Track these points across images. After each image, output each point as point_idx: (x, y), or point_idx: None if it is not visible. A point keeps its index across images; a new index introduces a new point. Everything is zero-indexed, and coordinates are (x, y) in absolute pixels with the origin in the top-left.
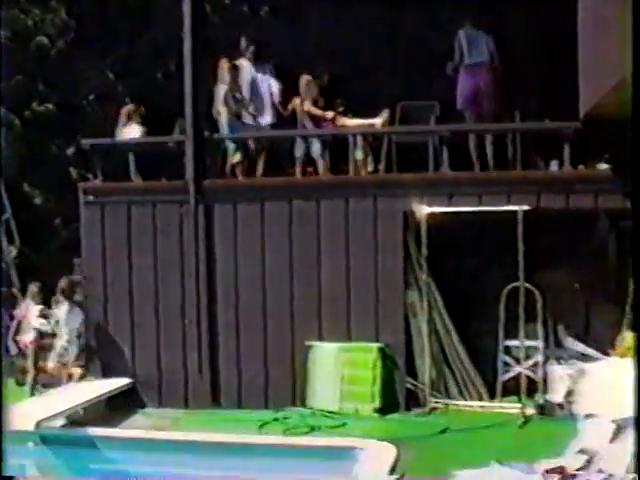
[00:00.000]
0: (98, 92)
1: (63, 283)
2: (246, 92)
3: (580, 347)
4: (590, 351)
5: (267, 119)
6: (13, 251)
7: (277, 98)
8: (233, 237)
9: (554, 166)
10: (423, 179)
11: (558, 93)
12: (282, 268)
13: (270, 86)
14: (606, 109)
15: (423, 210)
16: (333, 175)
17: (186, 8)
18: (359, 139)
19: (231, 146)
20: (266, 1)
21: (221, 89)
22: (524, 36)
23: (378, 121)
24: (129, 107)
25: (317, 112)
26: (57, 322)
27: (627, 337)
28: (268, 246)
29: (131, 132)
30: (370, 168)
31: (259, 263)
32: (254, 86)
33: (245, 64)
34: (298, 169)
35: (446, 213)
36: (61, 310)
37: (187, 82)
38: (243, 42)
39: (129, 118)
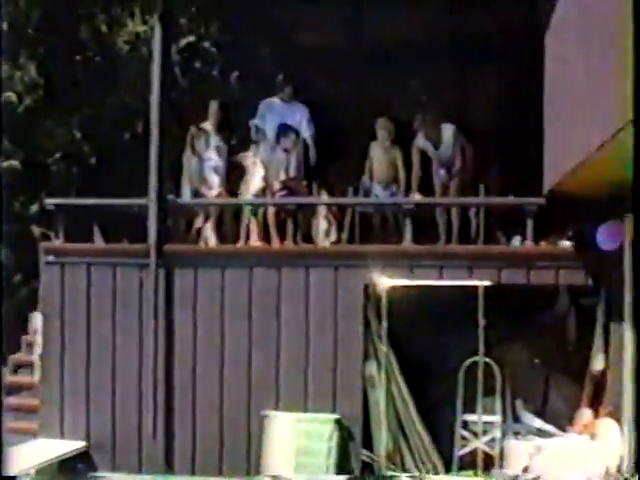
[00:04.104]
0: (64, 151)
1: None
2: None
3: (538, 423)
4: (547, 427)
5: None
6: None
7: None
8: (192, 302)
9: (516, 241)
10: (384, 251)
11: (523, 169)
12: (241, 336)
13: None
14: (568, 187)
15: (384, 282)
16: (295, 244)
17: (155, 71)
18: (322, 209)
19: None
20: (236, 67)
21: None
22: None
23: None
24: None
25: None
26: None
27: (585, 414)
28: (227, 313)
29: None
30: (333, 238)
31: (218, 330)
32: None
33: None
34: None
35: (407, 286)
36: None
37: (153, 145)
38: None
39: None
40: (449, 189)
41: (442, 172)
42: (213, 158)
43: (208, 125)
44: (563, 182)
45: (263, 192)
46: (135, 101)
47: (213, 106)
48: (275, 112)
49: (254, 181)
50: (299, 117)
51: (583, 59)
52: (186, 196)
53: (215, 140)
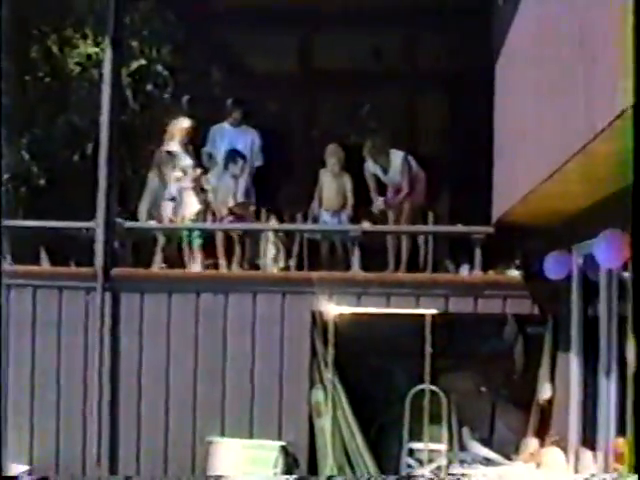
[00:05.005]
0: (12, 172)
1: None
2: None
3: (484, 451)
4: (493, 455)
5: None
6: None
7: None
8: (139, 327)
9: (464, 270)
10: (332, 278)
11: (472, 197)
12: (187, 361)
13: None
14: (516, 217)
15: (331, 309)
16: (242, 270)
17: (105, 93)
18: (271, 235)
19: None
20: (188, 90)
21: None
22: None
23: None
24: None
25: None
26: None
27: (531, 442)
28: (174, 338)
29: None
30: (281, 264)
31: (164, 354)
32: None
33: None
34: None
35: (354, 313)
36: None
37: (102, 167)
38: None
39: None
40: (400, 215)
41: (381, 198)
42: (181, 179)
43: (175, 145)
44: (511, 211)
45: (202, 217)
46: (85, 123)
47: (184, 123)
48: (225, 137)
49: (190, 206)
50: (249, 142)
51: (532, 89)
52: (142, 219)
53: (184, 159)
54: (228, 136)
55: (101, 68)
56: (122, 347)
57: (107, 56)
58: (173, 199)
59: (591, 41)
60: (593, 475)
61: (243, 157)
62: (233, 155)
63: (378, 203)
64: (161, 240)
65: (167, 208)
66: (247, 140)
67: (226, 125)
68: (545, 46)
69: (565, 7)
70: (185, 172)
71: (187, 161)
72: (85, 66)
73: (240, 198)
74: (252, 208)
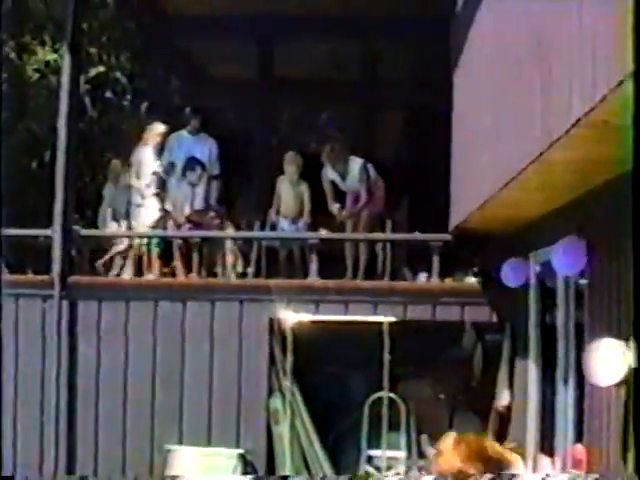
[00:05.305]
0: None
1: None
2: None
3: None
4: None
5: None
6: None
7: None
8: (96, 335)
9: (422, 277)
10: (290, 286)
11: (431, 204)
12: (145, 369)
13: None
14: (474, 224)
15: (289, 317)
16: (200, 277)
17: (63, 99)
18: (229, 242)
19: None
20: (146, 97)
21: None
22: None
23: None
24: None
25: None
26: None
27: None
28: (131, 346)
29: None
30: (240, 269)
31: (121, 363)
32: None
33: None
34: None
35: (313, 320)
36: None
37: (59, 175)
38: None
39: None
40: (358, 222)
41: (337, 205)
42: (150, 184)
43: (148, 150)
44: (469, 219)
45: (161, 224)
46: (43, 130)
47: (159, 128)
48: (183, 145)
49: (149, 213)
50: (207, 150)
51: (490, 97)
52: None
53: (154, 166)
54: (186, 144)
55: (60, 75)
56: (79, 355)
57: (65, 63)
58: (140, 205)
59: (547, 50)
60: (548, 475)
61: (201, 165)
62: (191, 163)
63: (334, 209)
64: (122, 246)
65: (135, 214)
66: (205, 148)
67: (184, 133)
68: (502, 55)
69: (521, 16)
70: (155, 178)
71: (158, 167)
72: (43, 73)
73: (198, 206)
74: (211, 215)
